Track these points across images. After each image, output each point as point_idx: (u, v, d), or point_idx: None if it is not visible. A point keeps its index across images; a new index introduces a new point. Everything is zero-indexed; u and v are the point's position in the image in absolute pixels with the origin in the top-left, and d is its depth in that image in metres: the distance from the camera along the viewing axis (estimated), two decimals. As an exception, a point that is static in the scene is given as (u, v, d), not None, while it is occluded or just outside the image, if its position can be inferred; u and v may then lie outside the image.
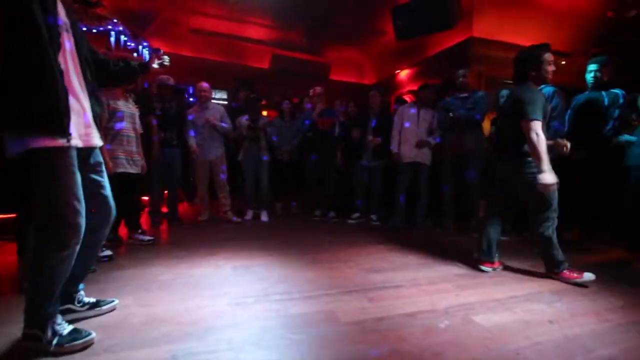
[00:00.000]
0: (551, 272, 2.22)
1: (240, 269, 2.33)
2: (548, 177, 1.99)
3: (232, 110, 4.58)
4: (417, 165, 3.82)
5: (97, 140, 1.46)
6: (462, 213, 3.75)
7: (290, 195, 4.86)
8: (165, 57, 1.81)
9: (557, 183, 2.02)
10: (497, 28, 4.99)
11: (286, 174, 4.53)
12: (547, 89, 3.00)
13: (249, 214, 4.24)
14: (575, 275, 2.12)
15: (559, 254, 2.18)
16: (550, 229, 2.18)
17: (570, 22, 5.05)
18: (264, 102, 5.88)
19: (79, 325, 1.43)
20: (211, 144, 3.96)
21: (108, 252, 2.48)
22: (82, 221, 1.29)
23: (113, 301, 1.68)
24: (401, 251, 2.85)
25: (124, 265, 2.38)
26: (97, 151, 1.51)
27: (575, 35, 5.25)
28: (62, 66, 1.24)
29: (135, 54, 5.04)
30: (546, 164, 2.00)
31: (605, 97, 2.99)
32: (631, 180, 2.91)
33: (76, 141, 1.29)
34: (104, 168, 1.54)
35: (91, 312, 1.60)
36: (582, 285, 2.07)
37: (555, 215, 2.18)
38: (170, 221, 3.90)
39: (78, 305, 1.59)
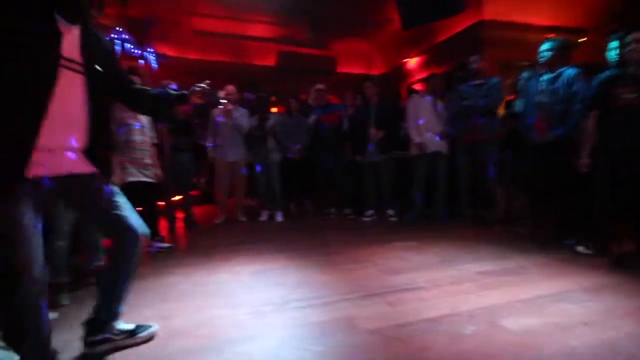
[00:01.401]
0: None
1: (257, 274, 2.31)
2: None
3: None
4: (436, 155, 3.71)
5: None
6: (480, 203, 3.63)
7: (304, 193, 4.82)
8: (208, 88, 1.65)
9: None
10: (509, 8, 4.77)
11: (297, 173, 4.49)
12: (569, 72, 2.84)
13: (264, 215, 4.24)
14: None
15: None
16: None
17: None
18: (273, 99, 5.83)
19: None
20: (232, 145, 3.97)
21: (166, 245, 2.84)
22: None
23: (151, 327, 1.55)
24: (420, 249, 2.78)
25: (143, 274, 2.38)
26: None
27: (589, 12, 4.97)
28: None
29: (141, 61, 5.06)
30: None
31: None
32: None
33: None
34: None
35: (129, 341, 1.46)
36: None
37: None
38: (187, 226, 3.94)
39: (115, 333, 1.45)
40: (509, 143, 3.48)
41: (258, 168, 4.12)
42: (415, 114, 3.80)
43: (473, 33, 4.95)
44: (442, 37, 5.69)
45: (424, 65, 6.48)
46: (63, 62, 1.17)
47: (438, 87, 3.83)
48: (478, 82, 3.48)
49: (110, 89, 1.38)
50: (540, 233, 3.03)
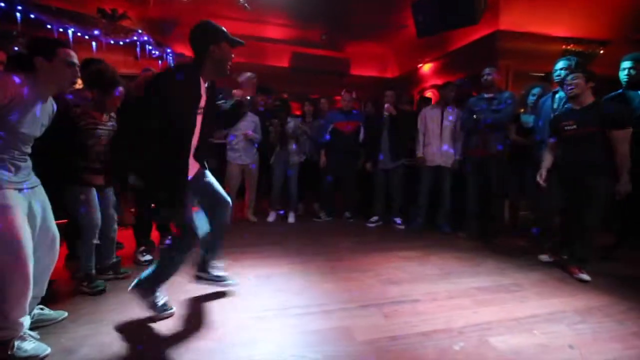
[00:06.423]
0: (570, 263, 2.53)
1: (262, 278, 2.42)
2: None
3: (259, 114, 4.63)
4: (440, 169, 3.79)
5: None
6: (485, 217, 3.66)
7: (312, 196, 4.92)
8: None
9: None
10: (527, 19, 4.72)
11: (310, 176, 4.56)
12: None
13: (272, 216, 4.35)
14: (577, 271, 2.44)
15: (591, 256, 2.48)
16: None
17: (607, 8, 4.69)
18: (285, 96, 5.90)
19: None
20: (245, 149, 4.10)
21: (148, 257, 2.71)
22: None
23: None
24: (421, 259, 2.85)
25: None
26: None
27: (613, 22, 4.87)
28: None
29: (159, 62, 5.22)
30: None
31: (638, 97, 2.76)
32: None
33: None
34: None
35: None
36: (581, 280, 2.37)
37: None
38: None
39: None
40: (518, 158, 3.50)
41: (277, 170, 4.21)
42: (422, 128, 3.90)
43: (488, 43, 4.92)
44: (457, 45, 5.66)
45: (438, 72, 6.46)
46: (199, 110, 1.79)
47: (449, 95, 3.86)
48: (489, 95, 3.49)
49: (213, 119, 2.01)
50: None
